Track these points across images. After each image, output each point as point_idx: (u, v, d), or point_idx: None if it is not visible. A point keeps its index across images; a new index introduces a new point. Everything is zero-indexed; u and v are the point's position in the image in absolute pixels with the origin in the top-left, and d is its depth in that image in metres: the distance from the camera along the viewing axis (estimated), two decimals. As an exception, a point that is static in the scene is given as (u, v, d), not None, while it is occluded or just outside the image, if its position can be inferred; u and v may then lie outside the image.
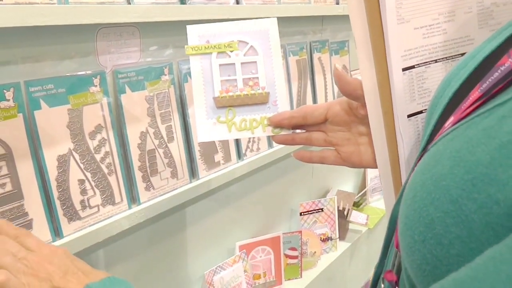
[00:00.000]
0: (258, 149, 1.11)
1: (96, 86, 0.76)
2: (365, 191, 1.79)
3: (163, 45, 0.88)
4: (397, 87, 0.49)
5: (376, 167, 0.58)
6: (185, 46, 0.62)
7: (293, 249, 1.28)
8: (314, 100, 1.31)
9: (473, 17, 0.50)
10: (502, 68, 0.32)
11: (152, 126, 0.85)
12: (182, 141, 0.92)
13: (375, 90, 0.52)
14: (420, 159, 0.40)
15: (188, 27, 0.63)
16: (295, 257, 1.28)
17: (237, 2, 0.96)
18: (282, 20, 1.13)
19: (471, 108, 0.32)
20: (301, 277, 1.30)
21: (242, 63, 0.64)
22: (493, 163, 0.26)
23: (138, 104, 0.83)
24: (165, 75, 0.87)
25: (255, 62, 0.65)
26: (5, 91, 0.64)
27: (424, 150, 0.41)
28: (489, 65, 0.36)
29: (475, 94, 0.35)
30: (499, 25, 0.49)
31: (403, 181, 0.53)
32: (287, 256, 1.27)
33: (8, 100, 0.65)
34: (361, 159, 0.61)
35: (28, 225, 0.68)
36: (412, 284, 0.33)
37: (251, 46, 0.65)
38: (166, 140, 0.88)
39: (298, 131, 0.65)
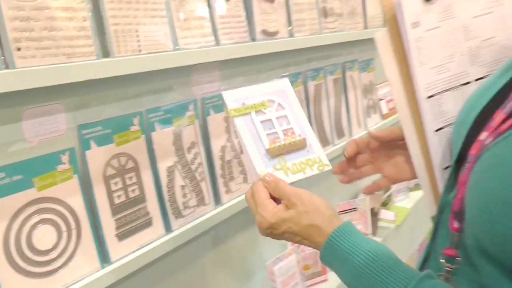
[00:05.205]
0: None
1: (190, 111, 0.95)
2: (391, 193, 1.97)
3: (238, 76, 1.08)
4: (425, 110, 0.67)
5: (413, 178, 0.76)
6: (228, 110, 0.71)
7: (335, 243, 1.45)
8: (348, 113, 1.50)
9: (466, 58, 0.69)
10: None
11: (229, 141, 1.05)
12: (250, 152, 1.11)
13: (409, 115, 0.69)
14: (461, 162, 0.57)
15: (224, 93, 0.72)
16: (337, 251, 1.46)
17: (291, 35, 1.16)
18: (320, 47, 1.33)
19: (506, 125, 0.49)
20: (342, 268, 1.48)
21: (277, 118, 0.73)
22: None
23: (219, 124, 1.02)
24: (237, 99, 1.07)
25: (285, 115, 0.74)
26: (133, 118, 0.84)
27: (460, 156, 0.58)
28: (503, 94, 0.54)
29: (499, 115, 0.53)
30: (483, 61, 0.69)
31: (437, 178, 0.69)
32: (330, 249, 1.45)
33: (135, 125, 0.84)
34: (402, 177, 0.79)
35: (149, 222, 0.87)
36: (481, 252, 0.50)
37: (278, 103, 0.75)
38: (239, 152, 1.07)
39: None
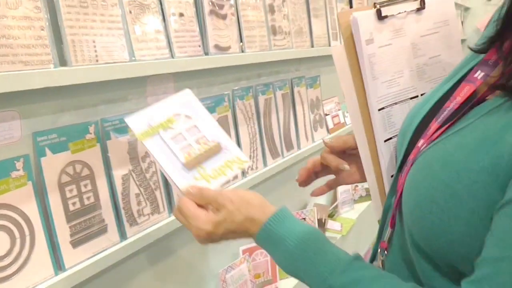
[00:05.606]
0: (256, 167, 1.35)
1: (145, 120, 0.98)
2: (336, 204, 2.06)
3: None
4: (376, 122, 0.73)
5: (363, 181, 0.82)
6: (135, 134, 0.70)
7: (285, 252, 1.50)
8: (296, 127, 1.57)
9: (414, 74, 0.76)
10: (448, 109, 0.58)
11: (182, 151, 1.08)
12: (203, 162, 1.14)
13: (361, 126, 0.74)
14: (403, 167, 0.63)
15: (127, 119, 0.72)
16: (287, 259, 1.51)
17: (242, 51, 1.22)
18: (269, 63, 1.40)
19: (438, 133, 0.57)
20: (292, 276, 1.53)
21: (186, 130, 0.75)
22: (469, 156, 0.50)
23: (173, 134, 1.05)
24: (190, 110, 1.10)
25: (195, 125, 0.76)
26: (89, 126, 0.85)
27: (402, 162, 0.65)
28: (439, 105, 0.62)
29: (434, 125, 0.60)
30: (429, 77, 0.76)
31: (385, 185, 0.75)
32: (280, 258, 1.50)
33: (91, 134, 0.86)
34: (352, 179, 0.85)
35: (104, 229, 0.88)
36: (415, 247, 0.56)
37: (185, 115, 0.76)
38: (192, 162, 1.10)
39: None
